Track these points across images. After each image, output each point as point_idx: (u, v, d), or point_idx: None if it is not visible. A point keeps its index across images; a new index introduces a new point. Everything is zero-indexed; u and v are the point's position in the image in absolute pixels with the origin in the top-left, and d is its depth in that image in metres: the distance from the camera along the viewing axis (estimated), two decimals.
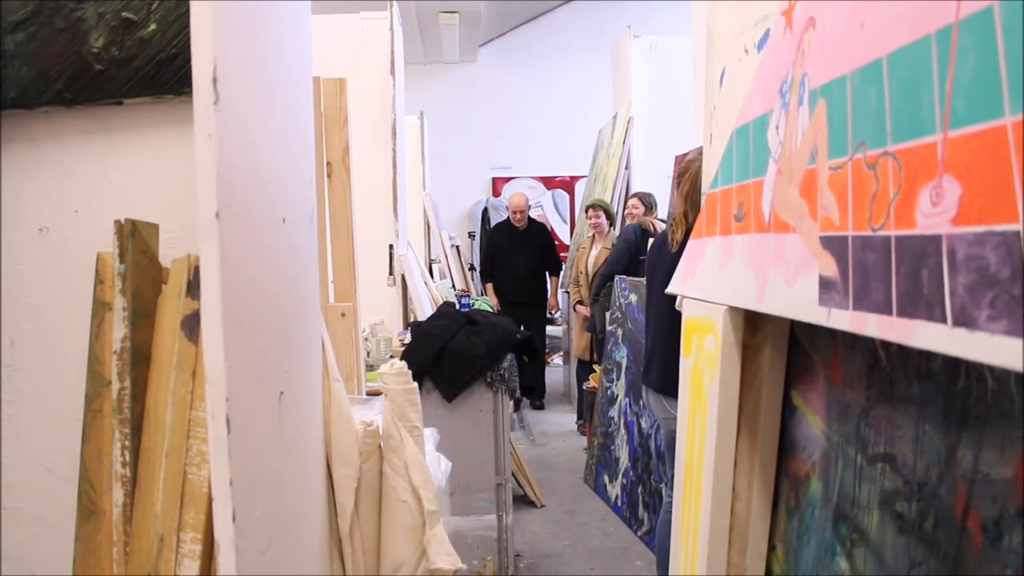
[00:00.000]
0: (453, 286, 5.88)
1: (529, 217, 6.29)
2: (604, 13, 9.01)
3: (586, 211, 5.41)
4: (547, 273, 6.43)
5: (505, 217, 6.53)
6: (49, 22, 1.18)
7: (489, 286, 6.21)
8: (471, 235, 9.37)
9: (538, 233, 6.31)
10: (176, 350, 1.09)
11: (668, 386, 2.47)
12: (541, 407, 6.36)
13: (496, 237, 6.45)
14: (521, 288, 6.09)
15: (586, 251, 5.28)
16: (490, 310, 4.35)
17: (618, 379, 4.10)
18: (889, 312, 0.70)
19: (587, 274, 5.17)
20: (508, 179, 9.56)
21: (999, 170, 0.57)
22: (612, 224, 5.21)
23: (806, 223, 0.91)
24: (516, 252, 6.15)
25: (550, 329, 7.10)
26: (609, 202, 5.34)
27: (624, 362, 4.04)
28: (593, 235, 5.26)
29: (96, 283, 1.15)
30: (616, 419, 4.06)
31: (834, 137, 0.86)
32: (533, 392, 6.34)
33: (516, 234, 6.21)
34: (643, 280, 3.76)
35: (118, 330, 1.10)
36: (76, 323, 1.19)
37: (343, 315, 2.01)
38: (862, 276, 0.76)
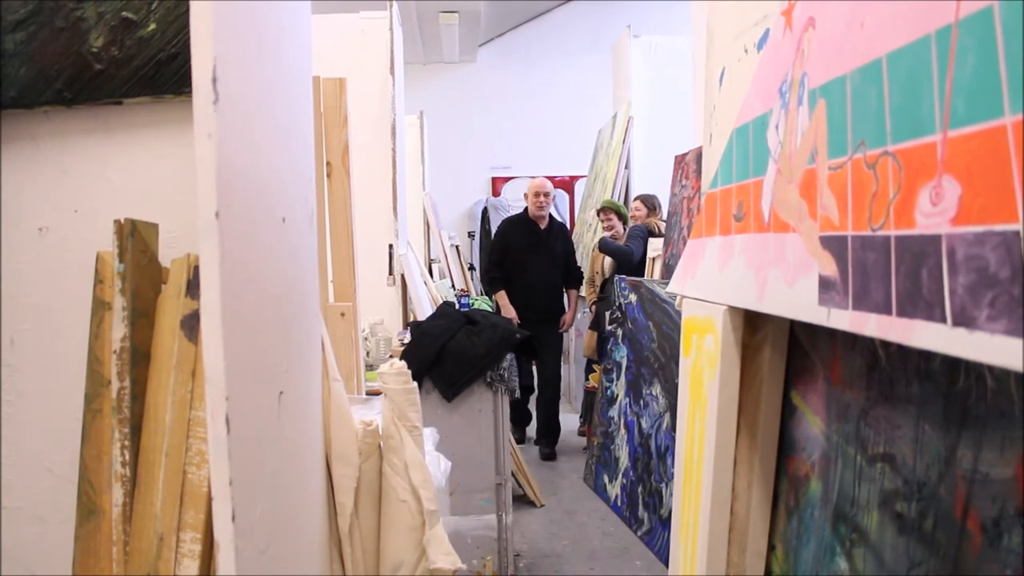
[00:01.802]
0: (453, 286, 5.88)
1: (550, 215, 5.00)
2: (604, 13, 9.01)
3: (597, 214, 5.39)
4: (564, 287, 5.12)
5: (517, 211, 5.09)
6: (49, 22, 1.18)
7: (503, 294, 4.80)
8: (471, 235, 9.37)
9: (560, 236, 5.00)
10: (176, 350, 1.09)
11: None
12: (552, 456, 4.98)
13: (509, 235, 4.92)
14: (535, 304, 4.79)
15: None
16: (490, 310, 4.34)
17: (618, 379, 4.09)
18: (889, 312, 0.71)
19: (603, 274, 5.17)
20: (508, 179, 9.56)
21: (999, 170, 0.57)
22: (625, 224, 5.21)
23: (806, 223, 0.91)
24: (533, 257, 4.79)
25: None
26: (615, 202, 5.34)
27: (624, 362, 4.03)
28: (612, 236, 5.26)
29: (96, 283, 1.15)
30: (616, 419, 4.06)
31: (834, 137, 0.86)
32: (534, 422, 5.11)
33: (536, 234, 4.84)
34: (643, 280, 3.76)
35: (118, 330, 1.10)
36: (76, 323, 1.19)
37: (343, 315, 2.01)
38: (862, 276, 0.76)
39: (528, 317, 4.69)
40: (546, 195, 4.84)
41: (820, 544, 1.06)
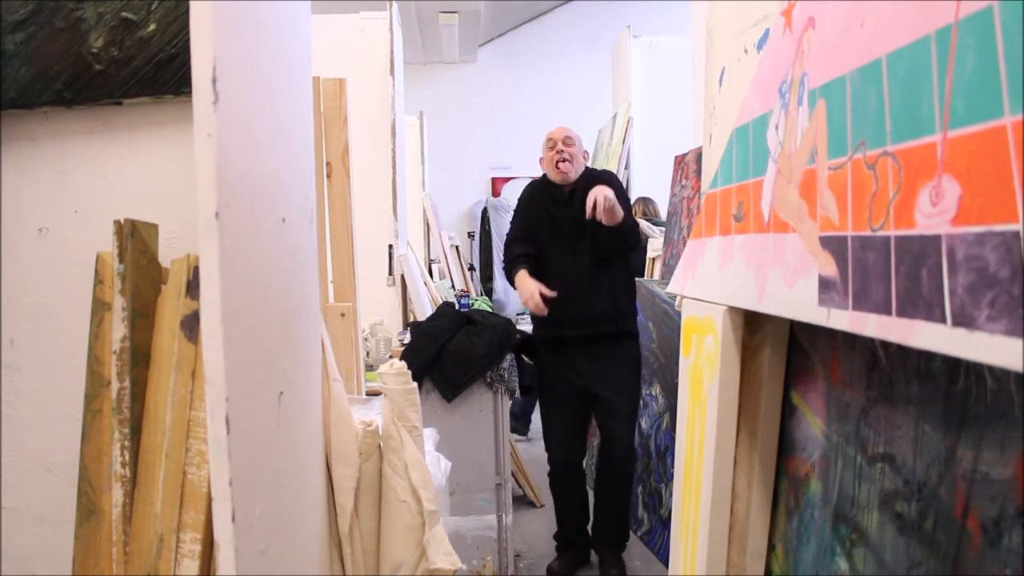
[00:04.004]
0: (453, 286, 5.87)
1: (587, 169, 3.01)
2: (604, 13, 9.01)
3: None
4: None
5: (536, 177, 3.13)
6: (49, 22, 1.18)
7: (522, 274, 2.85)
8: (471, 235, 9.37)
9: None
10: (176, 350, 1.09)
11: None
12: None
13: (527, 207, 3.06)
14: (569, 310, 2.84)
15: None
16: (490, 310, 4.34)
17: None
18: (889, 312, 0.71)
19: None
20: (508, 179, 9.55)
21: (999, 170, 0.57)
22: None
23: (806, 223, 0.91)
24: (558, 238, 2.93)
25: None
26: None
27: None
28: None
29: (96, 283, 1.15)
30: None
31: (834, 137, 0.86)
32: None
33: (558, 203, 2.96)
34: (643, 280, 3.76)
35: (118, 330, 1.10)
36: (76, 323, 1.19)
37: (343, 315, 2.01)
38: (862, 276, 0.76)
39: (563, 334, 2.90)
40: (566, 142, 2.93)
41: (820, 544, 1.06)
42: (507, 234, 3.19)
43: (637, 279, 3.60)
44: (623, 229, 2.80)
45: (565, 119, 9.50)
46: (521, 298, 2.84)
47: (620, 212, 2.72)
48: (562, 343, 2.93)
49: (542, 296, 2.77)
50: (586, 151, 3.05)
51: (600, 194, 2.65)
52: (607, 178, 2.96)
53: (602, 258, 2.89)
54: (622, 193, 2.92)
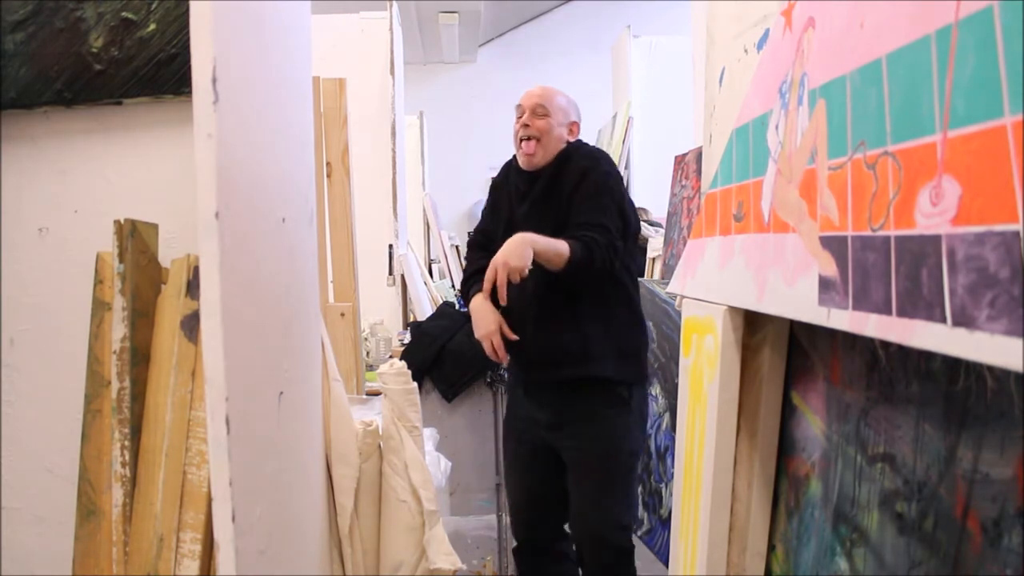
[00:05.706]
0: (453, 286, 5.87)
1: (569, 146, 2.14)
2: (604, 13, 9.01)
3: None
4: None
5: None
6: (49, 22, 1.18)
7: (476, 299, 2.02)
8: (471, 235, 9.38)
9: (570, 182, 2.02)
10: (176, 350, 1.09)
11: None
12: None
13: (493, 198, 2.40)
14: (536, 348, 2.02)
15: None
16: None
17: None
18: (889, 312, 0.70)
19: None
20: None
21: (999, 170, 0.57)
22: None
23: (806, 223, 0.91)
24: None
25: None
26: None
27: None
28: None
29: (96, 283, 1.15)
30: None
31: (834, 137, 0.86)
32: None
33: (523, 194, 2.15)
34: (643, 280, 3.75)
35: (118, 330, 1.10)
36: (76, 323, 1.19)
37: (343, 315, 2.01)
38: (862, 276, 0.76)
39: (519, 373, 2.20)
40: (537, 110, 2.11)
41: (820, 544, 1.06)
42: (474, 232, 2.45)
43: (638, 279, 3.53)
44: (569, 268, 1.90)
45: None
46: (476, 332, 2.02)
47: (527, 265, 1.86)
48: (523, 380, 2.18)
49: (504, 339, 1.98)
50: (575, 122, 2.22)
51: (493, 271, 1.86)
52: (585, 166, 2.06)
53: (566, 283, 1.98)
54: (605, 183, 2.07)
